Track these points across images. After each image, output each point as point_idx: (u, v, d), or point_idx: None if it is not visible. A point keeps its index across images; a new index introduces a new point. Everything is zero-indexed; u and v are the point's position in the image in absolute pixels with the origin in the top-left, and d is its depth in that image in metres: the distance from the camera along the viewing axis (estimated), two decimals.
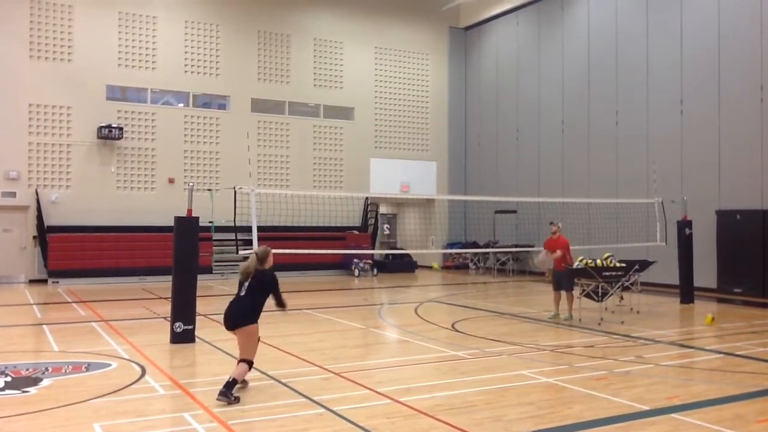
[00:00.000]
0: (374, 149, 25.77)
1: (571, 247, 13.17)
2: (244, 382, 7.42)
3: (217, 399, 6.85)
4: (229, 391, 6.89)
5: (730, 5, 17.69)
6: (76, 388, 7.55)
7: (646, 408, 6.77)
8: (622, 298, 14.06)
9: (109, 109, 21.36)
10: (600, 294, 12.65)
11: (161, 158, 22.08)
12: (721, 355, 9.54)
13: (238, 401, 6.90)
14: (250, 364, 7.34)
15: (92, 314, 13.62)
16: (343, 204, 21.51)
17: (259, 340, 7.53)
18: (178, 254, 10.38)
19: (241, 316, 7.32)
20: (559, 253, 12.81)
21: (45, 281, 19.86)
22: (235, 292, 7.58)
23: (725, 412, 6.64)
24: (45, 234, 20.01)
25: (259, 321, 7.43)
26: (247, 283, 7.43)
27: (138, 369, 8.51)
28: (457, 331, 11.67)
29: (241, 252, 12.22)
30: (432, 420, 6.35)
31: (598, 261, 12.85)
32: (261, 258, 7.51)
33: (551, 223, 13.41)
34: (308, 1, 24.71)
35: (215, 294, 17.52)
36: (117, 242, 20.70)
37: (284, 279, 16.45)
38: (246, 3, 23.69)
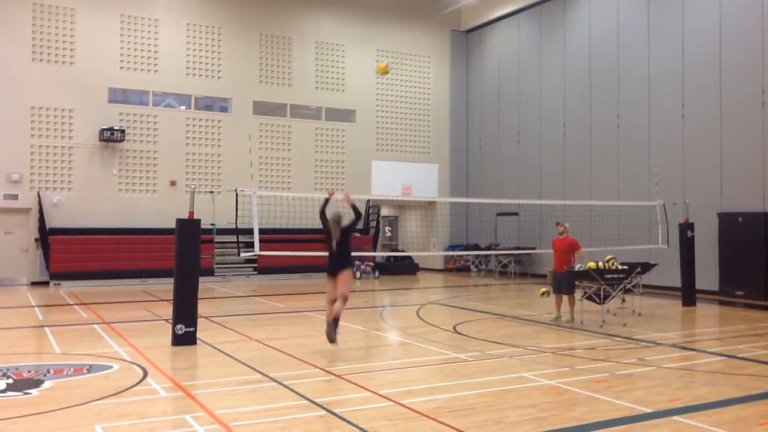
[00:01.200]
0: (376, 152, 25.80)
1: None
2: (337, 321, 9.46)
3: (328, 334, 9.31)
4: (337, 325, 9.35)
5: (732, 9, 17.70)
6: (78, 390, 7.55)
7: (648, 410, 6.76)
8: (624, 300, 14.03)
9: (111, 111, 21.39)
10: (602, 296, 12.64)
11: (163, 161, 22.11)
12: (723, 358, 9.54)
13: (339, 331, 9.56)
14: (345, 300, 9.54)
15: (94, 316, 13.62)
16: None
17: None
18: (179, 256, 10.38)
19: (341, 264, 9.59)
20: (582, 252, 12.96)
21: (47, 283, 19.86)
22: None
23: (727, 415, 6.64)
24: (47, 236, 20.02)
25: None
26: (335, 241, 9.53)
27: (139, 371, 8.51)
28: (459, 333, 11.66)
29: (242, 255, 12.25)
30: (433, 422, 6.35)
31: (600, 263, 12.84)
32: (338, 220, 9.63)
33: (558, 224, 13.39)
34: (310, 4, 24.75)
35: (217, 296, 17.52)
36: (119, 244, 20.71)
37: (286, 281, 16.41)
38: (248, 6, 23.74)
